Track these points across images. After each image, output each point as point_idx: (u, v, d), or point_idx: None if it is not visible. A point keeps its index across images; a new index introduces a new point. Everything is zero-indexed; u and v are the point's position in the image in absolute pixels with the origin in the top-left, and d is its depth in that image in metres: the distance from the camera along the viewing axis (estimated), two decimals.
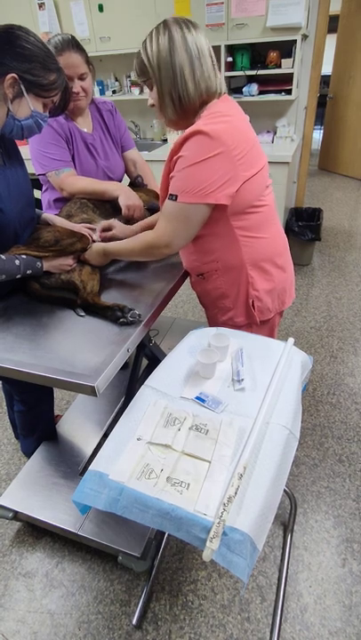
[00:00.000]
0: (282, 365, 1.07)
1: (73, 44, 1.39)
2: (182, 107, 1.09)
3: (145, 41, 1.06)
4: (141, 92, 3.29)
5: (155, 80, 1.07)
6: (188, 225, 1.12)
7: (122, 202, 1.46)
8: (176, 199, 1.08)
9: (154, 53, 1.04)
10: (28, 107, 1.06)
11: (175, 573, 1.44)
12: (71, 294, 1.24)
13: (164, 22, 1.05)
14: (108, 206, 1.51)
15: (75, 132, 1.55)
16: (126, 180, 1.77)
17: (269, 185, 1.22)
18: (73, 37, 1.40)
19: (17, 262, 1.14)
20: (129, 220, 1.51)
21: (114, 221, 1.41)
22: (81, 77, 1.44)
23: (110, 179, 1.66)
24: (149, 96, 1.14)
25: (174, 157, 1.08)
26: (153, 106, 1.14)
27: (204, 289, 1.36)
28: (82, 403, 1.88)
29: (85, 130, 1.59)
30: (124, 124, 1.72)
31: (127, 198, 1.47)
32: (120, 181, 1.73)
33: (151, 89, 1.11)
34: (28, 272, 1.18)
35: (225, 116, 1.06)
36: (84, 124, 1.59)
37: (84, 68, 1.44)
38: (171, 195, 1.09)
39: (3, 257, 1.12)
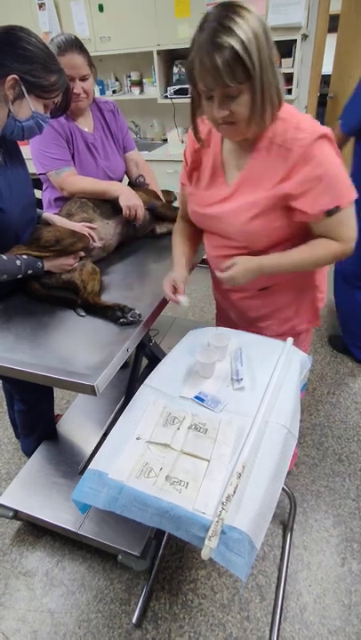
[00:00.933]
0: (281, 365, 1.07)
1: (76, 44, 1.40)
2: (280, 106, 0.94)
3: (227, 27, 0.79)
4: (142, 91, 3.29)
5: (256, 77, 0.84)
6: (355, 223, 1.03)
7: (122, 202, 1.47)
8: (340, 208, 0.97)
9: (252, 42, 0.81)
10: (29, 108, 1.06)
11: (175, 572, 1.44)
12: (71, 294, 1.24)
13: (235, 2, 0.83)
14: (109, 206, 1.51)
15: (75, 131, 1.55)
16: (125, 180, 1.77)
17: None
18: (76, 38, 1.40)
19: (18, 262, 1.14)
20: (129, 221, 1.51)
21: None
22: (83, 78, 1.45)
23: (110, 178, 1.66)
24: (221, 107, 0.89)
25: (293, 172, 0.95)
26: (228, 116, 0.90)
27: (259, 302, 1.24)
28: (82, 402, 1.88)
29: (86, 129, 1.59)
30: (126, 125, 1.73)
31: (127, 199, 1.48)
32: (120, 181, 1.73)
33: (236, 95, 0.87)
34: (29, 272, 1.18)
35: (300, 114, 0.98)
36: (85, 123, 1.60)
37: (87, 69, 1.44)
38: (331, 211, 0.97)
39: (4, 257, 1.12)
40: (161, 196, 1.73)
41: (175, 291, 1.14)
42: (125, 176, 1.79)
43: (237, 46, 0.79)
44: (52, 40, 1.38)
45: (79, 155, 1.58)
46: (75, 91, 1.44)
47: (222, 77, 0.82)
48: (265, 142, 0.97)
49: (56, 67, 1.07)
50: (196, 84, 0.89)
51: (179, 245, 1.28)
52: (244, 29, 0.80)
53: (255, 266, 1.07)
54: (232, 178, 1.07)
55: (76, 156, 1.57)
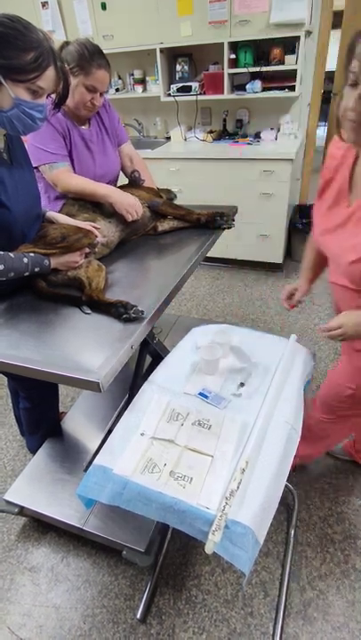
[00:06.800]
0: (284, 361, 1.08)
1: (107, 60, 1.43)
2: None
3: None
4: (145, 89, 3.29)
5: None
6: None
7: (119, 209, 1.46)
8: None
9: None
10: (9, 95, 0.96)
11: (179, 568, 1.45)
12: (76, 292, 1.25)
13: None
14: (109, 205, 1.51)
15: (72, 127, 1.55)
16: (122, 176, 1.76)
17: None
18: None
19: (25, 260, 1.15)
20: (128, 224, 1.50)
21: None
22: (102, 94, 1.49)
23: (106, 174, 1.66)
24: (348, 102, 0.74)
25: None
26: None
27: None
28: (86, 399, 1.89)
29: (83, 127, 1.60)
30: (117, 117, 1.73)
31: (122, 204, 1.46)
32: (116, 177, 1.73)
33: None
34: (36, 270, 1.18)
35: None
36: (81, 121, 1.60)
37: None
38: None
39: (11, 255, 1.13)
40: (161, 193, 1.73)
41: (290, 298, 1.26)
42: (121, 172, 1.79)
43: None
44: (85, 46, 1.38)
45: (77, 151, 1.57)
46: (96, 103, 1.48)
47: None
48: None
49: (30, 44, 0.94)
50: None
51: (308, 256, 1.25)
52: None
53: None
54: (355, 198, 0.92)
55: (73, 152, 1.57)
